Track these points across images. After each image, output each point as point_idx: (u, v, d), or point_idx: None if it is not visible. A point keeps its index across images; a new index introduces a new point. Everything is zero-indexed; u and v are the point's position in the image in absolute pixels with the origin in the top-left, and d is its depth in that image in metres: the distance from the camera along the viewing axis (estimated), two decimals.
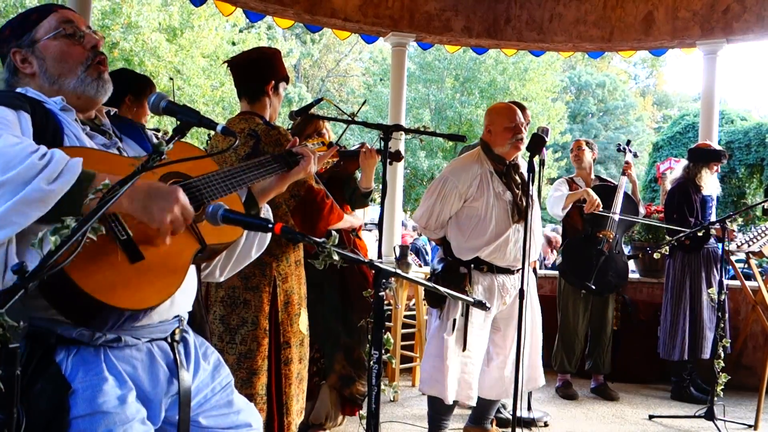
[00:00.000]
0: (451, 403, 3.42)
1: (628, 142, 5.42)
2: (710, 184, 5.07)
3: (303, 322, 2.81)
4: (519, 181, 3.49)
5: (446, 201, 3.46)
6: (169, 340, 1.56)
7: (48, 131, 1.46)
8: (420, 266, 7.48)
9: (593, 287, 4.80)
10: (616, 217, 4.92)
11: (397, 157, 3.39)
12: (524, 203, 3.40)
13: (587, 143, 5.27)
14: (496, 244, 3.41)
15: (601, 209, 4.79)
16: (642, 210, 5.31)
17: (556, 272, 5.30)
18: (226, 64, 2.89)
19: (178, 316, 1.60)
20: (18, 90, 1.58)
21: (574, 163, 5.24)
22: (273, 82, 2.79)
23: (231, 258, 1.84)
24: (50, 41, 1.58)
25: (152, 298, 1.40)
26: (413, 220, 3.73)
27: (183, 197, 1.41)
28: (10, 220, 1.21)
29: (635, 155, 5.37)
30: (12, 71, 1.60)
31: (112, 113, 1.74)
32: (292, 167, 1.92)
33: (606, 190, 5.01)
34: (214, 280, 1.88)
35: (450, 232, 3.54)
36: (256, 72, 2.78)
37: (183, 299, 1.58)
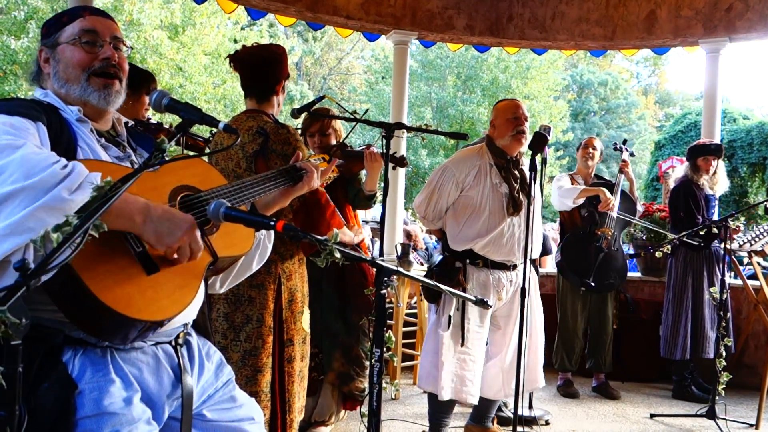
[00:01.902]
0: (445, 399, 3.42)
1: (624, 141, 5.40)
2: (721, 180, 5.04)
3: (305, 320, 2.82)
4: (518, 176, 3.49)
5: (444, 189, 3.48)
6: (173, 343, 1.58)
7: (62, 141, 1.47)
8: (421, 264, 7.48)
9: (592, 285, 4.79)
10: (614, 214, 4.91)
11: (401, 162, 3.39)
12: (521, 198, 3.40)
13: (600, 144, 5.24)
14: (489, 236, 3.41)
15: (615, 210, 4.80)
16: (640, 208, 5.30)
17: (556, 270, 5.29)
18: (228, 60, 2.88)
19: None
20: (38, 92, 1.62)
21: (581, 160, 5.19)
22: (282, 82, 2.80)
23: (232, 271, 1.85)
24: (67, 46, 1.60)
25: (169, 309, 1.42)
26: (414, 208, 3.73)
27: (196, 231, 1.43)
28: (29, 227, 1.21)
29: (632, 154, 5.35)
30: (38, 68, 1.64)
31: (129, 124, 1.75)
32: (297, 182, 1.95)
33: (604, 187, 5.00)
34: (215, 291, 1.90)
35: (447, 223, 3.56)
36: (267, 72, 2.78)
37: (191, 309, 1.58)
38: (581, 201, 4.91)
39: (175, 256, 1.41)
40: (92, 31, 1.61)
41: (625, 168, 5.10)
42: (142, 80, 3.09)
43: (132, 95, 2.97)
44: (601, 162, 5.29)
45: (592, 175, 5.19)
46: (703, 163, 5.02)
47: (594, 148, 5.15)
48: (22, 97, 1.64)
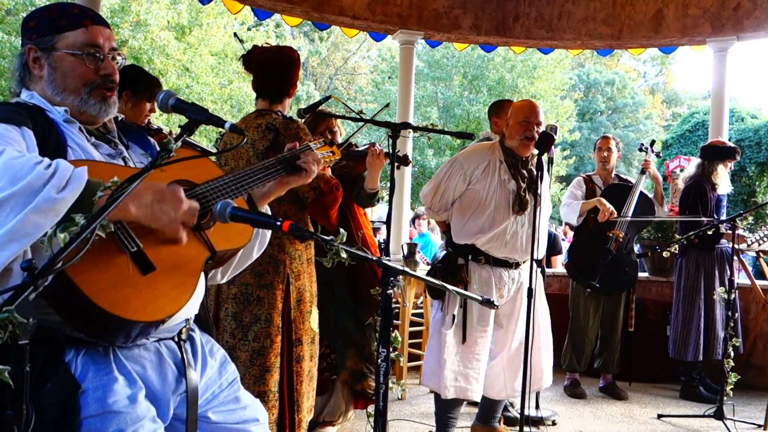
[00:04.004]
0: (448, 398, 3.41)
1: (652, 142, 5.29)
2: (723, 181, 5.01)
3: (314, 320, 2.82)
4: (526, 175, 3.48)
5: (451, 181, 3.48)
6: (176, 339, 1.57)
7: (51, 143, 1.46)
8: (427, 263, 7.48)
9: (597, 286, 4.77)
10: (627, 219, 4.86)
11: (404, 161, 3.39)
12: (527, 197, 3.40)
13: (615, 142, 5.16)
14: (493, 233, 3.40)
15: (615, 216, 4.72)
16: (666, 208, 5.20)
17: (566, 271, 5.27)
18: (242, 61, 2.89)
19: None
20: (24, 94, 1.58)
21: (598, 163, 5.14)
22: (296, 85, 2.84)
23: (232, 262, 1.83)
24: (67, 56, 1.56)
25: (166, 308, 1.41)
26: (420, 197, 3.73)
27: (183, 195, 1.42)
28: (25, 232, 1.21)
29: (657, 155, 5.28)
30: (23, 65, 1.59)
31: (120, 119, 1.73)
32: (293, 172, 1.88)
33: (622, 189, 4.95)
34: (216, 282, 1.88)
35: (452, 216, 3.56)
36: (285, 76, 2.82)
37: (191, 304, 1.58)
38: (584, 215, 4.86)
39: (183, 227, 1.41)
40: (96, 45, 1.58)
41: (648, 168, 5.03)
42: (146, 85, 3.03)
43: (133, 97, 2.92)
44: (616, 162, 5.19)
45: (613, 175, 5.14)
46: (725, 167, 4.98)
47: (609, 150, 5.07)
48: (8, 100, 1.60)
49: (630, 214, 4.86)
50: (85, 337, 1.38)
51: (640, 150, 5.25)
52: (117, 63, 1.64)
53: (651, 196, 5.13)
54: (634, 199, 4.90)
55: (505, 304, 3.53)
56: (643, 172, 5.04)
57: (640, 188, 4.97)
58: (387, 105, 3.13)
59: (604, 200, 4.75)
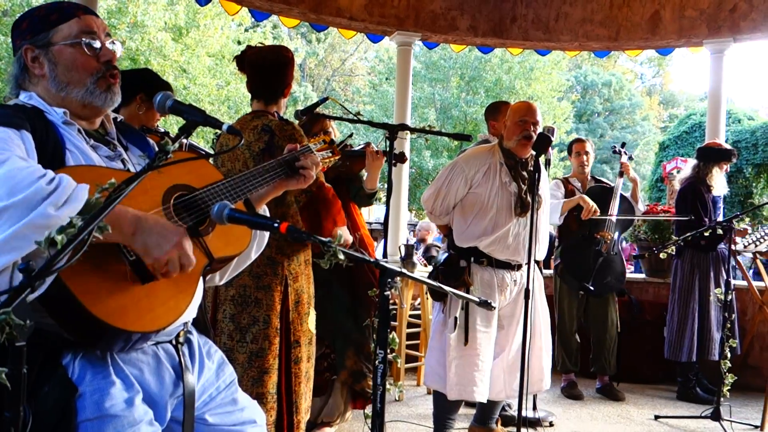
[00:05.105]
0: (453, 399, 3.42)
1: (623, 144, 5.35)
2: (719, 183, 5.03)
3: (311, 321, 2.82)
4: (527, 177, 3.49)
5: (452, 185, 3.48)
6: (173, 342, 1.57)
7: (49, 146, 1.44)
8: (425, 265, 7.47)
9: (591, 288, 4.78)
10: (614, 218, 4.88)
11: (400, 158, 3.40)
12: (529, 199, 3.40)
13: (590, 144, 5.22)
14: (495, 235, 3.41)
15: (599, 215, 4.75)
16: (641, 206, 5.24)
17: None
18: (236, 61, 2.89)
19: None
20: (22, 96, 1.57)
21: (576, 166, 5.18)
22: (291, 85, 2.83)
23: (231, 263, 1.82)
24: (66, 47, 1.55)
25: (163, 318, 1.40)
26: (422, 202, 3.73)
27: (186, 244, 1.40)
28: (15, 245, 1.19)
29: (630, 158, 5.31)
30: (22, 68, 1.57)
31: (119, 120, 1.72)
32: (291, 176, 1.86)
33: (603, 192, 4.98)
34: (214, 284, 1.86)
35: (454, 219, 3.56)
36: (279, 76, 2.81)
37: (189, 309, 1.57)
38: (566, 214, 4.89)
39: (164, 270, 1.38)
40: (92, 33, 1.57)
41: (626, 171, 5.06)
42: (162, 90, 3.01)
43: (147, 101, 2.91)
44: (606, 163, 5.24)
45: (589, 178, 5.17)
46: (721, 169, 5.00)
47: (587, 152, 5.13)
48: (5, 103, 1.57)
49: (615, 214, 4.90)
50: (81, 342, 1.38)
51: (614, 152, 5.28)
52: (113, 50, 1.63)
53: (627, 195, 5.16)
54: (616, 200, 4.95)
55: (506, 305, 3.54)
56: (621, 174, 5.07)
57: (619, 191, 5.02)
58: (326, 99, 3.14)
59: (586, 197, 4.78)
